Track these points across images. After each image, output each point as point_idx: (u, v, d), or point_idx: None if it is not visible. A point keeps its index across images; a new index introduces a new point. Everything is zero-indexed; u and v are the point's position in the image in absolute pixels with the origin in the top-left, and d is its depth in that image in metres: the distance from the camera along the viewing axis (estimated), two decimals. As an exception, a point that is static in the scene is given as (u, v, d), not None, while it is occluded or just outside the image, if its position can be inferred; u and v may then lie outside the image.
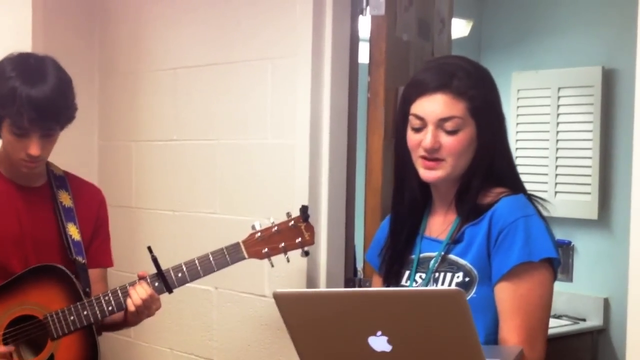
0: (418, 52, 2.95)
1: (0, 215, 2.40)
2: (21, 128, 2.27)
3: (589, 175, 4.45)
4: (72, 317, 2.34)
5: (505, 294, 1.89)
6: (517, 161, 2.24)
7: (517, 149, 4.63)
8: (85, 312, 2.34)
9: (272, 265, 2.45)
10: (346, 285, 2.84)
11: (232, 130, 3.06)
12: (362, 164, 2.88)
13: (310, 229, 2.44)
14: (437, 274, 1.98)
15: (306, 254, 2.47)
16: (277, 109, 2.90)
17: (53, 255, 2.41)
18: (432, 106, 1.95)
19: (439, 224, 2.05)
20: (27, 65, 2.31)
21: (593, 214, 4.45)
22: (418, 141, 1.98)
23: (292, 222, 2.43)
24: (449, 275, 1.96)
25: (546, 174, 4.60)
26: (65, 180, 2.52)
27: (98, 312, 2.35)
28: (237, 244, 2.41)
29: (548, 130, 4.60)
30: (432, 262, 2.00)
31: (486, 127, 1.97)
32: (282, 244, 2.42)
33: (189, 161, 3.22)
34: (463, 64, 2.00)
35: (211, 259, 2.39)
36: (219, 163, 3.10)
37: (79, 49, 3.48)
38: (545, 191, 4.50)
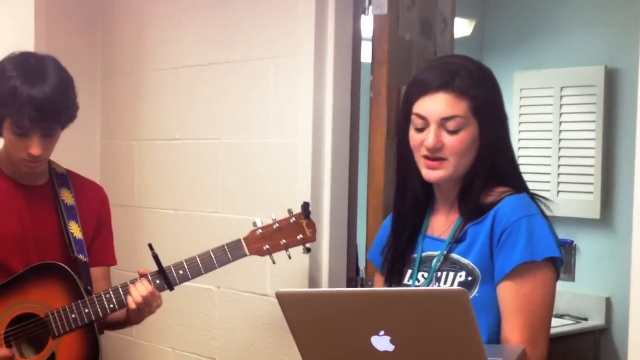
0: (420, 51, 2.95)
1: (2, 214, 2.40)
2: (22, 128, 2.27)
3: (592, 175, 4.45)
4: (73, 315, 2.34)
5: (508, 294, 1.89)
6: (520, 161, 2.24)
7: (519, 148, 4.62)
8: (86, 310, 2.34)
9: (274, 262, 2.44)
10: (348, 285, 2.84)
11: (234, 130, 3.06)
12: (365, 163, 2.87)
13: (312, 226, 2.44)
14: (439, 273, 1.98)
15: (308, 250, 2.47)
16: (279, 109, 2.90)
17: (54, 254, 2.41)
18: (435, 106, 1.95)
19: (442, 224, 2.05)
20: (28, 65, 2.31)
21: (595, 214, 4.45)
22: (421, 141, 1.98)
23: (294, 219, 2.43)
24: (451, 274, 1.96)
25: (549, 174, 4.59)
26: (67, 178, 2.52)
27: (99, 310, 2.35)
28: (239, 240, 2.41)
29: (551, 130, 4.60)
30: (434, 261, 2.00)
31: (489, 127, 1.97)
32: (284, 241, 2.42)
33: (191, 160, 3.22)
34: (465, 64, 2.00)
35: (212, 256, 2.39)
36: (222, 162, 3.10)
37: (81, 48, 3.49)
38: (548, 191, 4.50)
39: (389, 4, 2.78)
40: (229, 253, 2.39)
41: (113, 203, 2.65)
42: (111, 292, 2.36)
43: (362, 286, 2.82)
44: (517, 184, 2.02)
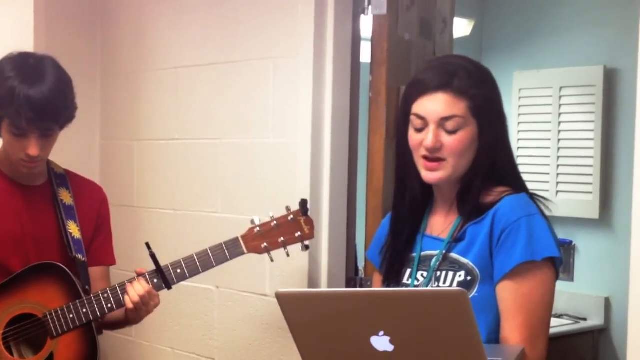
0: (420, 51, 2.95)
1: (1, 214, 2.40)
2: (19, 128, 2.27)
3: (591, 175, 4.45)
4: (71, 315, 2.34)
5: (508, 293, 1.89)
6: (519, 161, 2.24)
7: (518, 148, 4.63)
8: (84, 310, 2.34)
9: (272, 260, 2.44)
10: (347, 285, 2.84)
11: (233, 130, 3.06)
12: (364, 163, 2.88)
13: (310, 223, 2.43)
14: (438, 273, 1.98)
15: (306, 248, 2.46)
16: (278, 109, 2.90)
17: (53, 254, 2.41)
18: (434, 105, 1.95)
19: (441, 223, 2.05)
20: (26, 65, 2.31)
21: (594, 214, 4.45)
22: (419, 141, 1.98)
23: (292, 216, 2.42)
24: (450, 273, 1.96)
25: (547, 174, 4.59)
26: (66, 178, 2.52)
27: (97, 309, 2.35)
28: (236, 238, 2.40)
29: (549, 129, 4.60)
30: (433, 260, 2.00)
31: (487, 127, 1.97)
32: (282, 239, 2.41)
33: (190, 160, 3.22)
34: (464, 64, 2.00)
35: (210, 254, 2.38)
36: (221, 162, 3.10)
37: (81, 48, 3.48)
38: (547, 190, 4.51)
39: (388, 3, 2.78)
40: (226, 251, 2.39)
41: (112, 203, 2.66)
42: (109, 292, 2.36)
43: (361, 286, 2.83)
44: (516, 184, 2.02)
